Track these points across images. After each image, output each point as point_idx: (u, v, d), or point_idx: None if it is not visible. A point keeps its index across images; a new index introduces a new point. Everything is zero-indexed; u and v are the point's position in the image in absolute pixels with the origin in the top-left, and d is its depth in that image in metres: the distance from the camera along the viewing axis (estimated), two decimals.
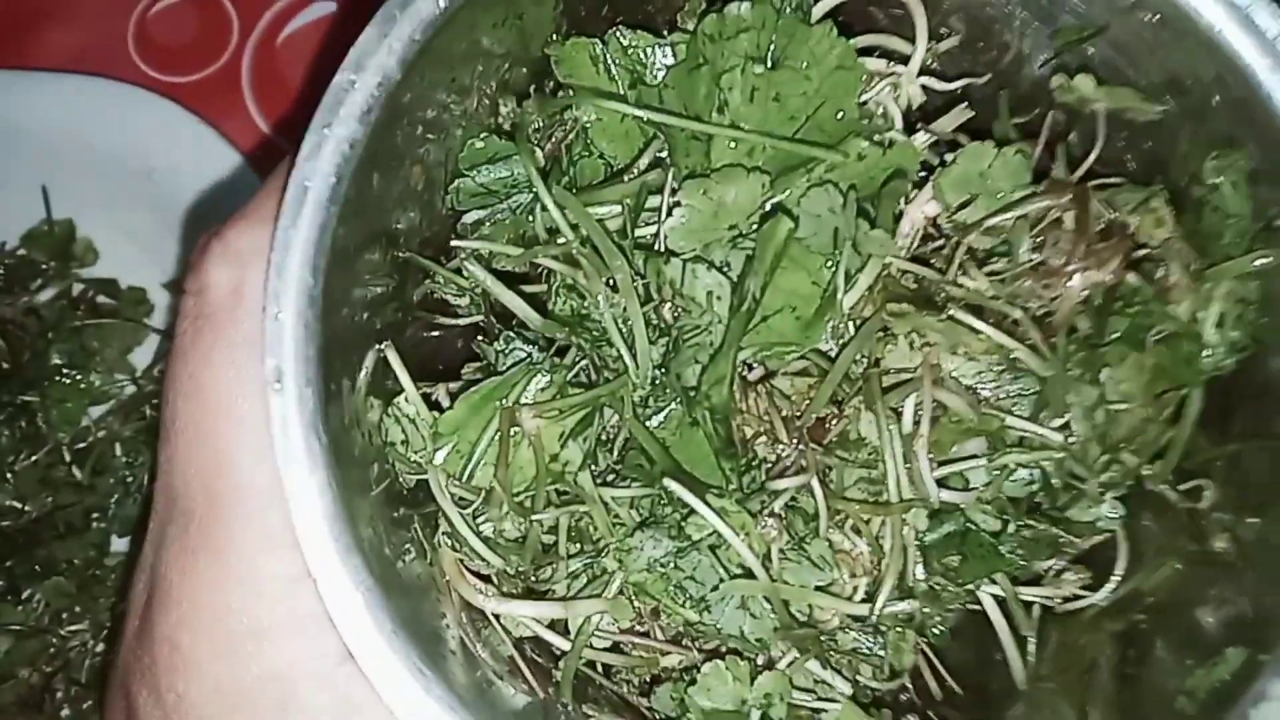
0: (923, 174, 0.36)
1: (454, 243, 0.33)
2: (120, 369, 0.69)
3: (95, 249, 0.71)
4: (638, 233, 0.32)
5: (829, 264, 0.31)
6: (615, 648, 0.36)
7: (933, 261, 0.34)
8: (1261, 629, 0.28)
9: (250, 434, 0.30)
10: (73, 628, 0.64)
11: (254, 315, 0.29)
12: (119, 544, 0.67)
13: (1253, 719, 0.27)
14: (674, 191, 0.31)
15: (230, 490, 0.29)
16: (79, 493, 0.65)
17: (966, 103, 0.35)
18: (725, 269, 0.31)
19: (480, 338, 0.35)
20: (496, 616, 0.33)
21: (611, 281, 0.31)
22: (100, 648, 0.64)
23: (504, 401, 0.31)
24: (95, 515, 0.66)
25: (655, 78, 0.34)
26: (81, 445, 0.66)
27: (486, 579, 0.34)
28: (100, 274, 0.71)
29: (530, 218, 0.33)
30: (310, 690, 0.29)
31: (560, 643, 0.34)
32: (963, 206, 0.34)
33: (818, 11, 0.34)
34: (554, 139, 0.36)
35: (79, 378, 0.67)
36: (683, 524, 0.30)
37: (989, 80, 0.37)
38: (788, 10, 0.33)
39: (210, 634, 0.29)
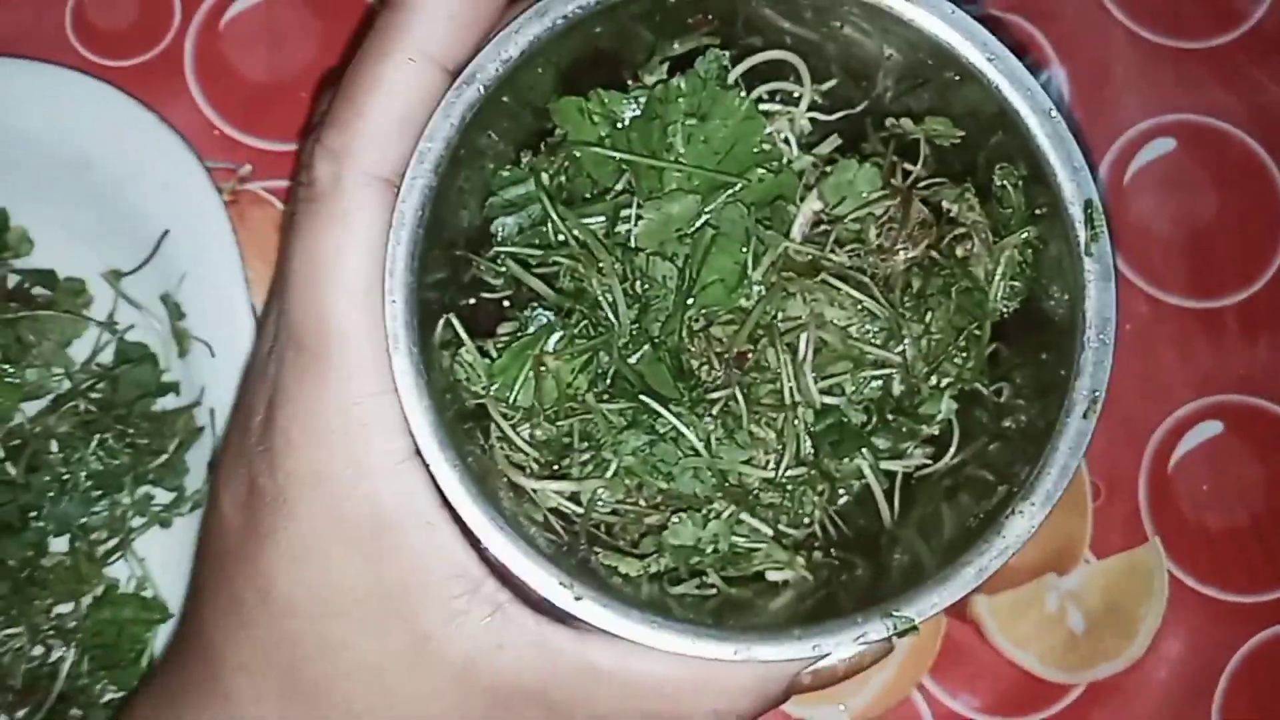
0: (817, 178, 0.52)
1: (496, 249, 0.49)
2: (58, 362, 0.66)
3: (30, 239, 0.68)
4: (616, 234, 0.48)
5: (743, 251, 0.47)
6: (614, 513, 0.52)
7: (820, 242, 0.50)
8: (1018, 477, 0.45)
9: (348, 285, 0.41)
10: (8, 631, 0.63)
11: (349, 194, 0.41)
12: (57, 544, 0.65)
13: (1005, 525, 0.44)
14: (639, 206, 0.47)
15: (333, 327, 0.41)
16: (13, 491, 0.63)
17: (838, 133, 0.51)
18: (674, 259, 0.47)
19: (509, 306, 0.51)
20: (534, 491, 0.50)
21: (600, 268, 0.47)
22: (38, 650, 0.63)
23: (533, 351, 0.48)
24: (32, 514, 0.64)
25: (625, 123, 0.50)
26: (16, 442, 0.64)
27: (523, 469, 0.51)
28: (36, 264, 0.67)
29: (544, 226, 0.49)
30: (380, 477, 0.42)
31: (576, 509, 0.51)
32: (839, 204, 0.50)
33: (731, 77, 0.49)
34: (557, 165, 0.52)
35: (13, 372, 0.64)
36: (654, 424, 0.47)
37: (863, 109, 0.53)
38: (711, 78, 0.48)
39: (314, 428, 0.41)
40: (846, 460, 0.49)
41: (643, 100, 0.50)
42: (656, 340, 0.47)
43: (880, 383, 0.48)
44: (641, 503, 0.52)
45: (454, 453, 0.44)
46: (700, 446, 0.46)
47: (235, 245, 0.67)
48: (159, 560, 0.68)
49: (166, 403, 0.68)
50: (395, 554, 0.43)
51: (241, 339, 0.66)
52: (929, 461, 0.51)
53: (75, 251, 0.68)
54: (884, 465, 0.51)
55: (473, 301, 0.53)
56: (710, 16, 0.50)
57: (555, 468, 0.51)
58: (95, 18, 0.71)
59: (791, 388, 0.47)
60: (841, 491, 0.54)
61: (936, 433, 0.52)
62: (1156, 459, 0.70)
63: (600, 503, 0.51)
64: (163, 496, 0.68)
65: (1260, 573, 0.69)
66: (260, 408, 0.45)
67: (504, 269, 0.50)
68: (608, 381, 0.48)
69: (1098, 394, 0.44)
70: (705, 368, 0.48)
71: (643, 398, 0.46)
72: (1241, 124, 0.71)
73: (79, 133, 0.65)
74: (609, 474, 0.49)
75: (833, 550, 0.53)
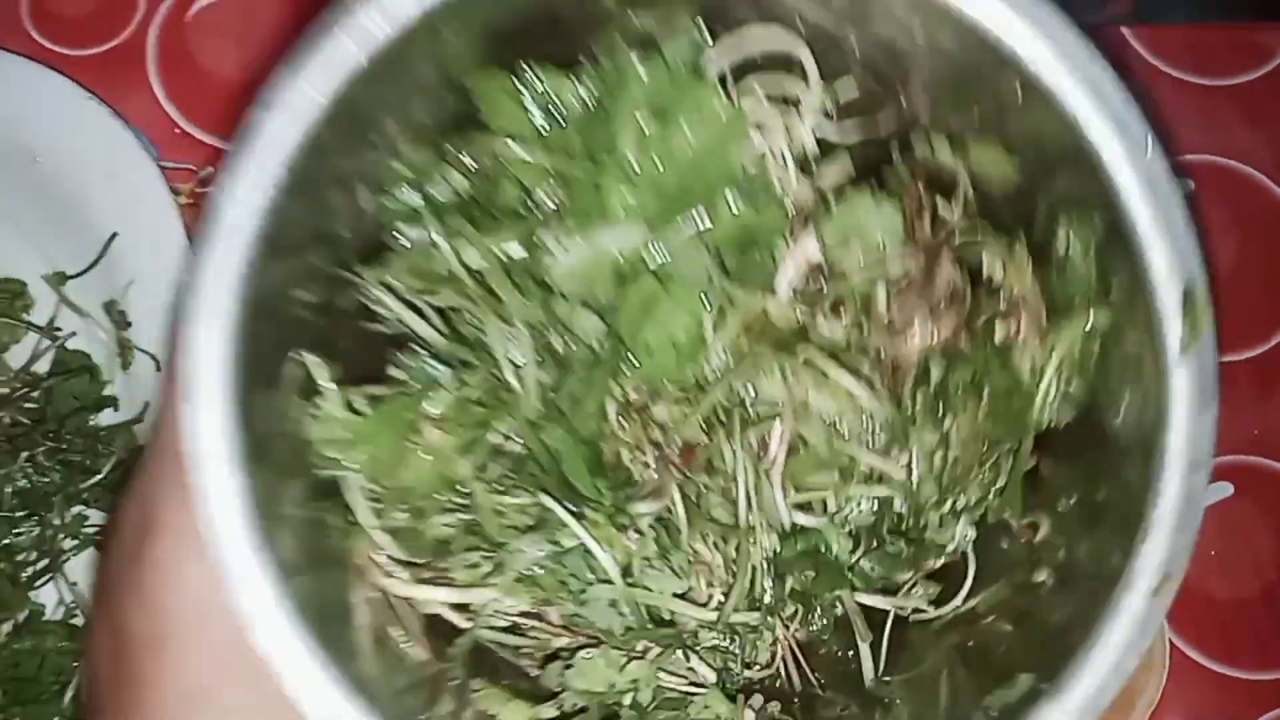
0: (818, 214, 0.39)
1: (361, 270, 0.37)
2: None
3: None
4: (540, 266, 0.36)
5: (704, 306, 0.35)
6: (514, 628, 0.40)
7: (813, 303, 0.37)
8: (1049, 662, 0.32)
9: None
10: None
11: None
12: None
13: None
14: (564, 232, 0.35)
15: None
16: None
17: (852, 153, 0.38)
18: (604, 313, 0.34)
19: (396, 350, 0.38)
20: (404, 599, 0.38)
21: (501, 313, 0.34)
22: None
23: (410, 414, 0.35)
24: None
25: (569, 114, 0.37)
26: None
27: (400, 563, 0.39)
28: None
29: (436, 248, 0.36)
30: None
31: (462, 622, 0.38)
32: (843, 252, 0.37)
33: (712, 67, 0.36)
34: (479, 163, 0.39)
35: None
36: (558, 532, 0.34)
37: (889, 125, 0.40)
38: (683, 65, 0.35)
39: (196, 554, 0.34)
40: (825, 596, 0.37)
41: (591, 85, 0.37)
42: (571, 424, 0.34)
43: (873, 504, 0.36)
44: (554, 618, 0.40)
45: (270, 555, 0.32)
46: (615, 573, 0.34)
47: (188, 251, 0.63)
48: (93, 586, 0.63)
49: (106, 418, 0.65)
50: None
51: None
52: (928, 608, 0.38)
53: (17, 250, 0.65)
54: (870, 601, 0.38)
55: (368, 333, 0.41)
56: None
57: (439, 566, 0.38)
58: (53, 2, 0.68)
59: (750, 500, 0.34)
60: (819, 615, 0.41)
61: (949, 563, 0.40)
62: None
63: (497, 615, 0.39)
64: (97, 518, 0.64)
65: (1269, 647, 0.64)
66: (130, 536, 0.38)
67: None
68: (510, 463, 0.36)
69: (1175, 566, 0.31)
70: (638, 460, 0.35)
71: (543, 498, 0.34)
72: (1264, 167, 0.67)
73: (26, 124, 0.63)
74: (505, 582, 0.37)
75: (796, 700, 0.40)
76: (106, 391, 0.64)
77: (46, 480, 0.62)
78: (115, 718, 0.38)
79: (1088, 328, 0.35)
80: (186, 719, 0.36)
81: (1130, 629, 0.31)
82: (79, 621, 0.62)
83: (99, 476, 0.62)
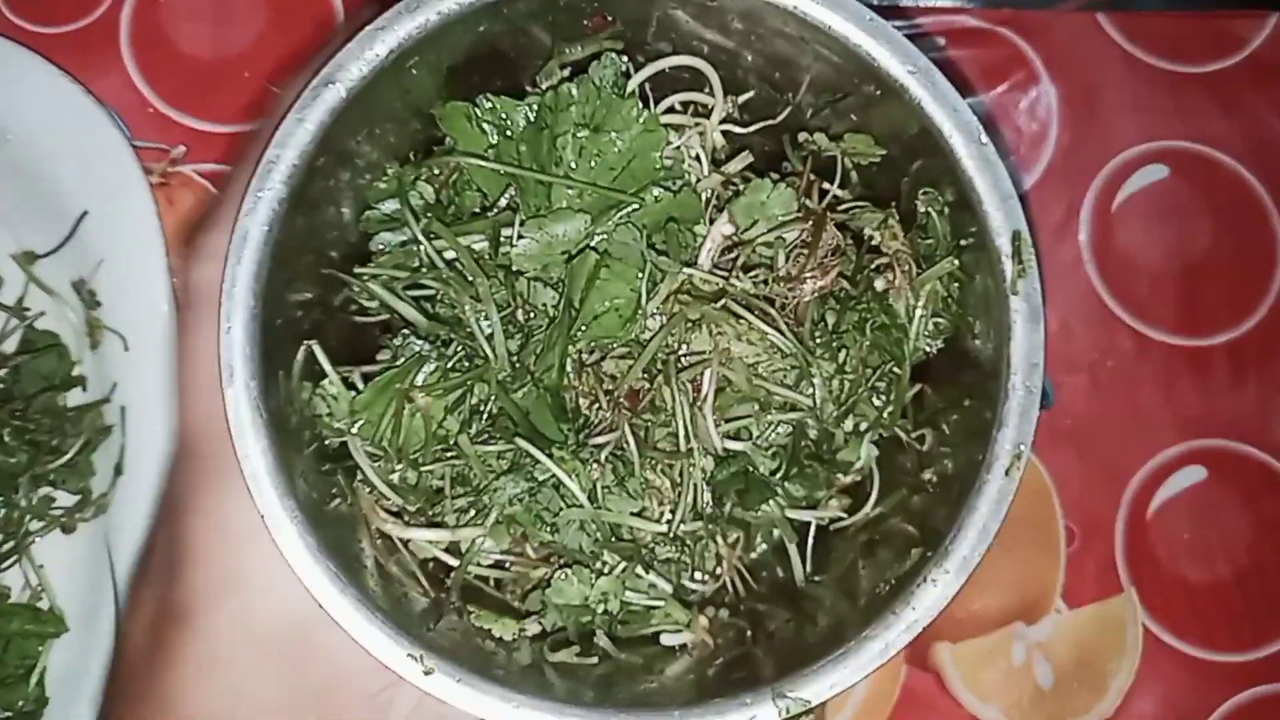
0: (729, 198, 0.47)
1: (357, 270, 0.44)
2: None
3: None
4: (504, 256, 0.43)
5: (639, 277, 0.42)
6: (499, 565, 0.47)
7: (728, 269, 0.45)
8: (934, 537, 0.40)
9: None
10: None
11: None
12: None
13: (916, 594, 0.39)
14: (522, 224, 0.42)
15: (222, 433, 0.39)
16: None
17: (753, 149, 0.46)
18: (559, 285, 0.42)
19: (386, 333, 0.46)
20: (404, 542, 0.45)
21: (474, 293, 0.42)
22: None
23: (401, 384, 0.43)
24: None
25: (516, 132, 0.45)
26: None
27: (396, 514, 0.46)
28: None
29: (419, 245, 0.44)
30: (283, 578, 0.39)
31: (453, 561, 0.45)
32: (750, 226, 0.45)
33: (632, 85, 0.44)
34: (443, 176, 0.47)
35: None
36: (532, 470, 0.42)
37: (782, 123, 0.48)
38: (607, 86, 0.43)
39: (220, 535, 0.41)
40: (756, 510, 0.44)
41: (536, 108, 0.45)
42: (537, 376, 0.42)
43: (790, 427, 0.44)
44: (530, 553, 0.47)
45: (295, 502, 0.39)
46: (583, 497, 0.41)
47: (160, 231, 0.62)
48: (59, 568, 0.63)
49: (74, 398, 0.64)
50: (313, 656, 0.41)
51: (160, 331, 0.61)
52: (844, 515, 0.46)
53: None
54: (796, 516, 0.46)
55: (356, 324, 0.48)
56: (610, 18, 0.45)
57: (432, 514, 0.45)
58: None
59: (689, 430, 0.42)
60: (759, 540, 0.49)
61: (859, 480, 0.48)
62: (1135, 504, 0.65)
63: (482, 554, 0.46)
64: (65, 499, 0.63)
65: (1242, 630, 0.64)
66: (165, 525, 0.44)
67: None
68: (487, 420, 0.43)
69: (1022, 448, 0.39)
70: (595, 407, 0.43)
71: (519, 440, 0.41)
72: (1237, 154, 0.67)
73: None
74: (488, 523, 0.44)
75: (743, 607, 0.48)
76: (75, 371, 0.63)
77: (13, 461, 0.60)
78: (148, 685, 0.43)
79: (946, 273, 0.43)
80: (206, 682, 0.41)
81: (992, 500, 0.39)
82: (45, 605, 0.62)
83: (66, 457, 0.61)
